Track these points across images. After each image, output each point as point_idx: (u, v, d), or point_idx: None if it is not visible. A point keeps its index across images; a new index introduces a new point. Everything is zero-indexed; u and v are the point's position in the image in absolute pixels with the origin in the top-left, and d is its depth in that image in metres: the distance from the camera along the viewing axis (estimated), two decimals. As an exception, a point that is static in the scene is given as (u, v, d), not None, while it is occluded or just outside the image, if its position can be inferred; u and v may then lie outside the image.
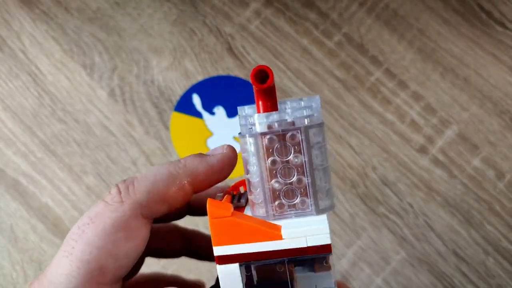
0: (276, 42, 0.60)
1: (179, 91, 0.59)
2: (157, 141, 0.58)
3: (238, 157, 0.30)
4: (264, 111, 0.27)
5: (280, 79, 0.59)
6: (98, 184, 0.58)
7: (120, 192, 0.27)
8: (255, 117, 0.27)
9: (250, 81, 0.25)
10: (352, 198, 0.57)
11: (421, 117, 0.58)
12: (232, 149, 0.29)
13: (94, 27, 0.60)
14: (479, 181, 0.57)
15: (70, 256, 0.26)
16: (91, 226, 0.26)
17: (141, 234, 0.27)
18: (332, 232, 0.57)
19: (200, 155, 0.29)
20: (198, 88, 0.59)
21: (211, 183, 0.29)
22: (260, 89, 0.26)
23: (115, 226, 0.26)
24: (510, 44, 0.59)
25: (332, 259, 0.26)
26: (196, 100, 0.59)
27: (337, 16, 0.60)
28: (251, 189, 0.28)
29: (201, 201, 0.32)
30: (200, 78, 0.59)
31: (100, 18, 0.60)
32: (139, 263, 0.34)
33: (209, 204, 0.27)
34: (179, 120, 0.59)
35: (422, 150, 0.58)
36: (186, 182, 0.28)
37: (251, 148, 0.27)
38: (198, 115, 0.59)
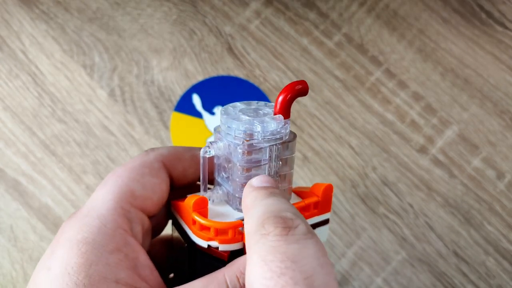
0: (276, 42, 0.60)
1: (179, 91, 0.59)
2: (157, 141, 0.58)
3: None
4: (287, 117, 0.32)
5: (280, 79, 0.59)
6: (98, 183, 0.58)
7: (146, 150, 0.34)
8: (281, 125, 0.32)
9: (295, 92, 0.31)
10: (352, 198, 0.57)
11: (421, 117, 0.58)
12: None
13: (94, 27, 0.60)
14: (479, 181, 0.57)
15: (104, 187, 0.31)
16: (122, 167, 0.32)
17: (163, 175, 0.33)
18: (332, 232, 0.57)
19: None
20: (198, 88, 0.59)
21: None
22: (292, 99, 0.31)
23: (141, 164, 0.32)
24: (510, 44, 0.59)
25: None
26: (196, 100, 0.59)
27: (337, 16, 0.60)
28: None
29: None
30: (200, 78, 0.59)
31: (100, 18, 0.60)
32: (159, 231, 0.37)
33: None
34: (179, 120, 0.59)
35: (422, 150, 0.58)
36: (199, 155, 0.34)
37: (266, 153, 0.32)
38: (198, 115, 0.59)
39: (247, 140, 0.31)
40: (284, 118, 0.31)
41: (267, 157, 0.32)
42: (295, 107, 0.59)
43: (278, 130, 0.31)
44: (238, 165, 0.31)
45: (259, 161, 0.32)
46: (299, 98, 0.59)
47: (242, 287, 0.27)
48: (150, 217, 0.33)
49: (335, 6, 0.60)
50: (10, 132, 0.58)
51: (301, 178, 0.57)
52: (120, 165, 0.58)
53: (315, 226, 0.34)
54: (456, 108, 0.58)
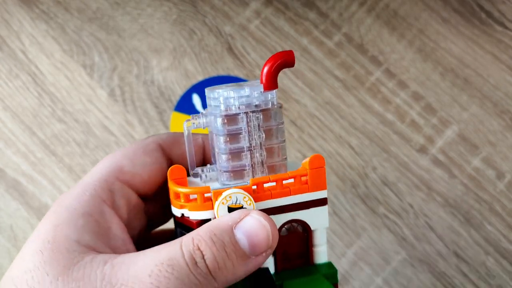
0: (276, 42, 0.60)
1: (179, 91, 0.59)
2: (157, 141, 0.58)
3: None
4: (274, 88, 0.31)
5: (279, 79, 0.59)
6: (98, 184, 0.58)
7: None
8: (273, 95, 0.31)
9: (282, 61, 0.30)
10: (352, 198, 0.57)
11: (421, 117, 0.58)
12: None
13: (94, 27, 0.60)
14: (479, 181, 0.57)
15: (99, 163, 0.33)
16: (121, 149, 0.33)
17: (157, 155, 0.33)
18: (332, 232, 0.57)
19: None
20: (198, 88, 0.59)
21: None
22: (277, 69, 0.30)
23: (137, 144, 0.33)
24: (509, 44, 0.59)
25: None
26: (196, 100, 0.59)
27: (337, 16, 0.60)
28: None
29: None
30: (200, 78, 0.59)
31: (100, 18, 0.60)
32: (161, 218, 0.37)
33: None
34: (179, 120, 0.59)
35: (422, 150, 0.58)
36: (200, 137, 0.36)
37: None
38: (198, 115, 0.59)
39: (225, 110, 0.31)
40: (270, 89, 0.31)
41: (245, 126, 0.31)
42: (295, 107, 0.59)
43: (256, 96, 0.31)
44: (218, 135, 0.31)
45: (238, 129, 0.31)
46: (299, 98, 0.59)
47: (197, 249, 0.26)
48: (143, 197, 0.34)
49: (335, 6, 0.60)
50: (10, 132, 0.58)
51: (301, 178, 0.57)
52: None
53: (308, 205, 0.32)
54: (456, 108, 0.58)
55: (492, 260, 0.56)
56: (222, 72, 0.59)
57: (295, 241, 0.33)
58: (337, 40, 0.60)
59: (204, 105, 0.59)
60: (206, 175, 0.33)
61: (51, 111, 0.59)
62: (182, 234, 0.31)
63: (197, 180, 0.34)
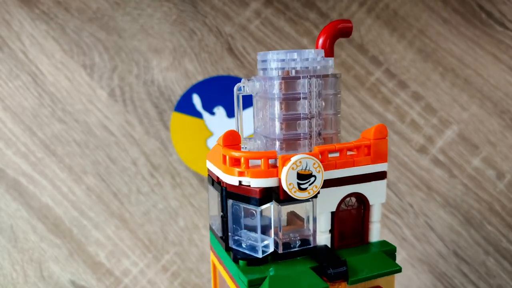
0: (276, 42, 0.60)
1: (179, 91, 0.59)
2: (157, 141, 0.58)
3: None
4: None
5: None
6: (98, 184, 0.58)
7: None
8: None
9: (344, 27, 0.28)
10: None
11: (421, 117, 0.58)
12: None
13: (94, 27, 0.60)
14: (479, 181, 0.57)
15: None
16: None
17: None
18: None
19: None
20: (198, 88, 0.59)
21: None
22: (333, 38, 0.28)
23: None
24: (510, 44, 0.59)
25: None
26: (196, 100, 0.59)
27: (337, 16, 0.60)
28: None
29: None
30: (200, 78, 0.59)
31: (100, 18, 0.60)
32: None
33: None
34: (179, 120, 0.59)
35: (422, 150, 0.58)
36: None
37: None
38: (198, 115, 0.59)
39: (286, 71, 0.28)
40: (326, 55, 0.28)
41: (307, 91, 0.28)
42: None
43: (318, 60, 0.28)
44: (274, 100, 0.28)
45: (298, 95, 0.28)
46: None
47: None
48: None
49: (335, 6, 0.60)
50: (10, 132, 0.58)
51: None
52: (120, 165, 0.58)
53: (368, 178, 0.30)
54: (456, 108, 0.58)
55: (492, 260, 0.56)
56: (222, 72, 0.59)
57: (351, 218, 0.31)
58: (337, 40, 0.60)
59: (204, 105, 0.59)
60: (253, 146, 0.31)
61: (51, 111, 0.59)
62: (236, 207, 0.29)
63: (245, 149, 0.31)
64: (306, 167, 0.27)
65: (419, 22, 0.60)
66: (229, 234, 0.30)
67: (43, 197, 0.57)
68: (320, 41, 0.28)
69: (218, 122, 0.59)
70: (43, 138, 0.58)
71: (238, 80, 0.59)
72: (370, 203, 0.31)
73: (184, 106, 0.59)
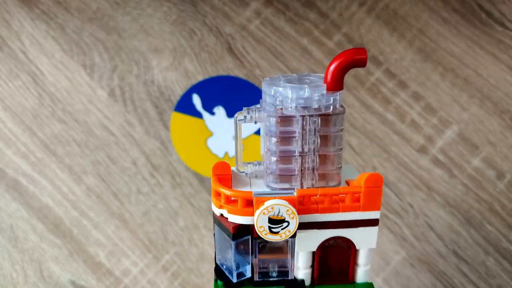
0: (276, 42, 0.60)
1: (179, 91, 0.59)
2: (157, 141, 0.58)
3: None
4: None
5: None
6: (98, 184, 0.58)
7: None
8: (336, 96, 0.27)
9: (360, 61, 0.26)
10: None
11: (421, 117, 0.58)
12: None
13: (94, 27, 0.60)
14: (479, 181, 0.57)
15: None
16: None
17: None
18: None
19: None
20: (198, 88, 0.59)
21: None
22: (345, 69, 0.26)
23: None
24: (510, 44, 0.59)
25: None
26: (196, 100, 0.59)
27: (337, 16, 0.60)
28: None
29: None
30: (200, 78, 0.59)
31: (100, 18, 0.60)
32: None
33: None
34: (179, 120, 0.59)
35: (422, 150, 0.58)
36: None
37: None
38: (198, 115, 0.59)
39: (280, 109, 0.27)
40: (334, 90, 0.27)
41: (300, 129, 0.27)
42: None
43: (316, 99, 0.27)
44: (269, 135, 0.28)
45: (292, 132, 0.27)
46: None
47: None
48: None
49: (335, 6, 0.60)
50: (10, 132, 0.58)
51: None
52: (120, 165, 0.58)
53: (356, 224, 0.28)
54: (456, 108, 0.58)
55: (492, 260, 0.56)
56: (222, 72, 0.59)
57: (336, 257, 0.30)
58: (337, 40, 0.60)
59: (204, 105, 0.59)
60: (252, 172, 0.31)
61: (51, 111, 0.59)
62: (220, 234, 0.29)
63: (243, 174, 0.31)
64: (279, 213, 0.27)
65: (419, 22, 0.60)
66: (216, 252, 0.31)
67: (43, 197, 0.57)
68: (330, 71, 0.26)
69: (218, 122, 0.59)
70: (43, 138, 0.58)
71: (238, 80, 0.59)
72: (357, 248, 0.30)
73: (184, 106, 0.59)
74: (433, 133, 0.58)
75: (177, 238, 0.58)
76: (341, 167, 0.30)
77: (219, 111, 0.59)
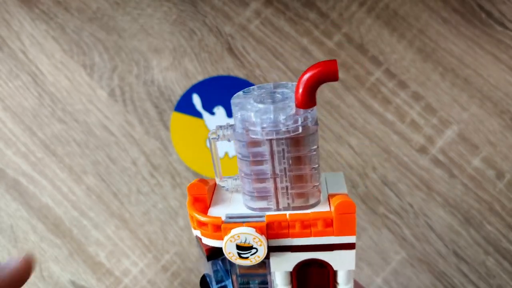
0: (276, 42, 0.60)
1: (179, 91, 0.59)
2: (157, 141, 0.58)
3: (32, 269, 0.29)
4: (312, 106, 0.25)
5: (280, 79, 0.59)
6: (98, 184, 0.58)
7: None
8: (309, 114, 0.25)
9: (330, 75, 0.23)
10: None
11: (421, 117, 0.58)
12: (27, 262, 0.28)
13: (94, 27, 0.60)
14: (479, 181, 0.57)
15: None
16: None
17: None
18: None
19: None
20: (198, 88, 0.59)
21: None
22: (314, 86, 0.24)
23: None
24: (510, 44, 0.59)
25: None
26: (196, 100, 0.59)
27: (337, 16, 0.60)
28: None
29: None
30: (200, 78, 0.59)
31: (100, 18, 0.60)
32: None
33: None
34: (179, 120, 0.59)
35: (422, 150, 0.58)
36: None
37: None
38: (198, 115, 0.59)
39: (246, 131, 0.26)
40: (305, 107, 0.25)
41: (268, 153, 0.26)
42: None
43: (283, 122, 0.25)
44: (239, 156, 0.27)
45: (262, 155, 0.27)
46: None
47: None
48: None
49: (335, 6, 0.60)
50: (10, 132, 0.58)
51: (301, 178, 0.57)
52: (120, 165, 0.58)
53: (331, 248, 0.27)
54: (456, 108, 0.58)
55: (492, 260, 0.56)
56: (222, 72, 0.59)
57: (316, 276, 0.29)
58: (337, 40, 0.60)
59: (204, 105, 0.59)
60: (233, 185, 0.30)
61: (51, 111, 0.59)
62: (200, 251, 0.29)
63: (228, 194, 0.31)
64: (245, 241, 0.27)
65: (419, 22, 0.60)
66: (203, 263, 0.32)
67: (43, 197, 0.57)
68: (299, 89, 0.24)
69: (218, 122, 0.59)
70: (43, 138, 0.58)
71: (238, 80, 0.59)
72: (335, 269, 0.29)
73: (184, 106, 0.59)
74: (433, 133, 0.58)
75: (177, 238, 0.58)
76: (318, 184, 0.29)
77: (219, 111, 0.59)
